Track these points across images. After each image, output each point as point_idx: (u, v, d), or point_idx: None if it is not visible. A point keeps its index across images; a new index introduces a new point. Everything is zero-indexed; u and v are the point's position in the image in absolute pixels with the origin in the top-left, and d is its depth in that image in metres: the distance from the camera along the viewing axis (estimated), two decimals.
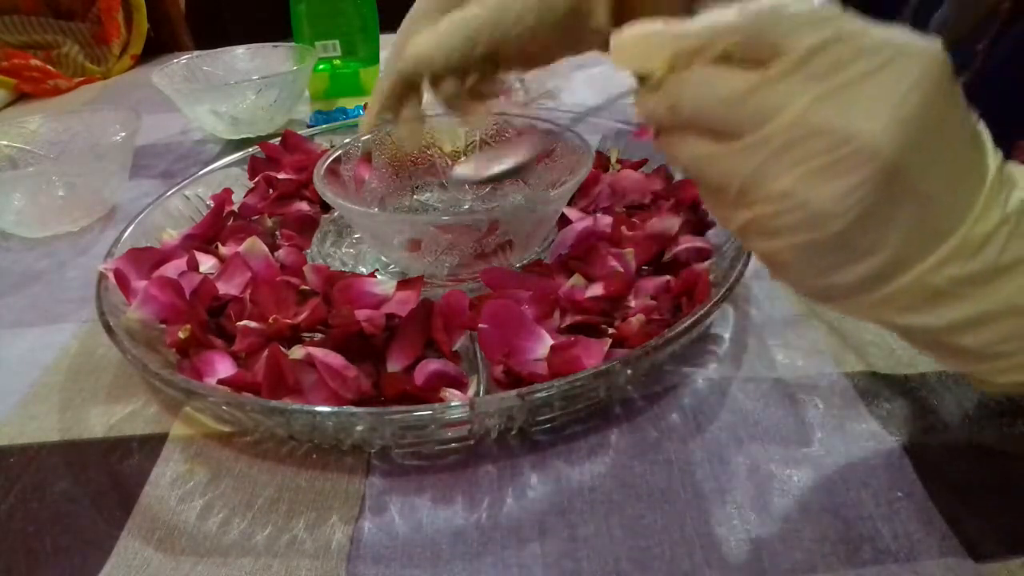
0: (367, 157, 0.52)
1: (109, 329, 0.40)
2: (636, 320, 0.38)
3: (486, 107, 0.44)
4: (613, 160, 0.57)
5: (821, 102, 0.23)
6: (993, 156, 0.25)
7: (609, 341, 0.37)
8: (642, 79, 0.27)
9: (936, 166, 0.24)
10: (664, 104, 0.26)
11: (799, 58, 0.23)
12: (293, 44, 0.84)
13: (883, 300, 0.25)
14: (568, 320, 0.40)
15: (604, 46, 0.52)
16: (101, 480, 0.37)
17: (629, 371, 0.36)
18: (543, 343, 0.38)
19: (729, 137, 0.25)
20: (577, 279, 0.42)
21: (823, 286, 0.26)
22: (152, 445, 0.38)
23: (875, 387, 0.38)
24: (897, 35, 0.23)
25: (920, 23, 0.52)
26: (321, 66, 0.83)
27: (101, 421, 0.40)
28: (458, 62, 0.40)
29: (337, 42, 0.83)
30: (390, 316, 0.40)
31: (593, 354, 0.36)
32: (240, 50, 0.85)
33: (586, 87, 0.83)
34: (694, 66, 0.25)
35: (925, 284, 0.25)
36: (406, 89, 0.44)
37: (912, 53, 0.23)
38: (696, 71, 0.25)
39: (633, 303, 0.41)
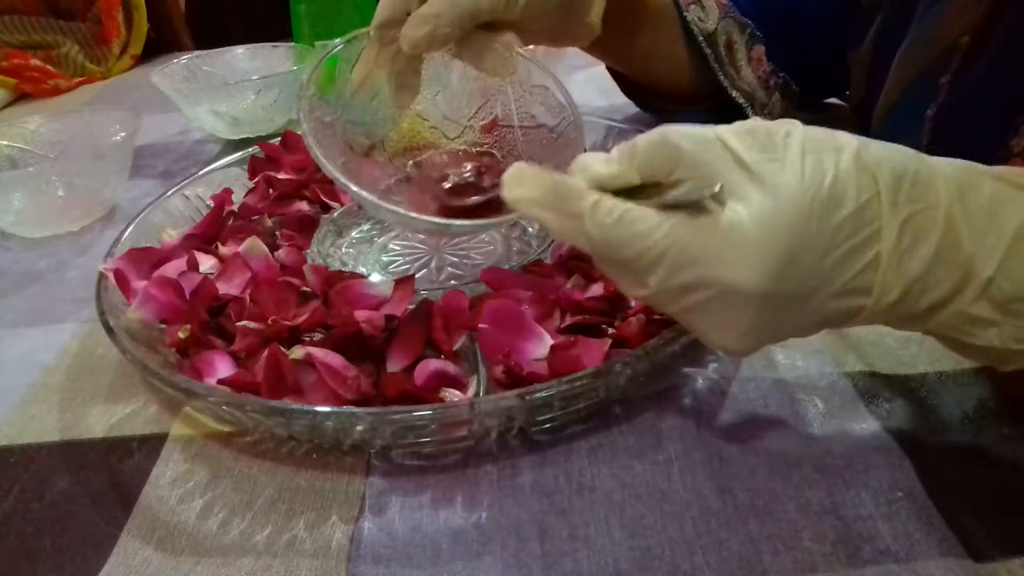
0: (367, 152, 0.51)
1: (109, 329, 0.40)
2: (636, 320, 0.38)
3: (504, 55, 0.44)
4: None
5: (681, 315, 0.29)
6: (888, 226, 0.26)
7: (609, 341, 0.37)
8: None
9: (812, 306, 0.27)
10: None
11: (655, 287, 0.28)
12: (293, 44, 0.84)
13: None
14: (568, 320, 0.40)
15: (590, 40, 0.53)
16: (101, 480, 0.37)
17: (629, 371, 0.36)
18: (543, 343, 0.38)
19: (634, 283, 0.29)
20: (577, 279, 0.42)
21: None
22: (152, 445, 0.38)
23: (875, 387, 0.38)
24: (746, 226, 0.26)
25: (880, 55, 0.52)
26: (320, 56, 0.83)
27: (101, 421, 0.40)
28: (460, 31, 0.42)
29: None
30: (389, 317, 0.40)
31: (593, 354, 0.36)
32: (240, 50, 0.85)
33: (585, 87, 0.83)
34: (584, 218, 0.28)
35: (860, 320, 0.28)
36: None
37: (744, 283, 0.26)
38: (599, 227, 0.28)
39: (633, 303, 0.41)
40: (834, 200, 0.26)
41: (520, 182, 0.29)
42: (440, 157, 0.51)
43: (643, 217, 0.27)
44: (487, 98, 0.50)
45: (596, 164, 0.29)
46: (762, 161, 0.26)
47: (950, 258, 0.27)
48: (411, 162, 0.51)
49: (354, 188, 0.39)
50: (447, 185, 0.48)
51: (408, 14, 0.42)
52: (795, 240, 0.25)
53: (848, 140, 0.27)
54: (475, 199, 0.45)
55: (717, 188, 0.26)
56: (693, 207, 0.26)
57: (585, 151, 0.52)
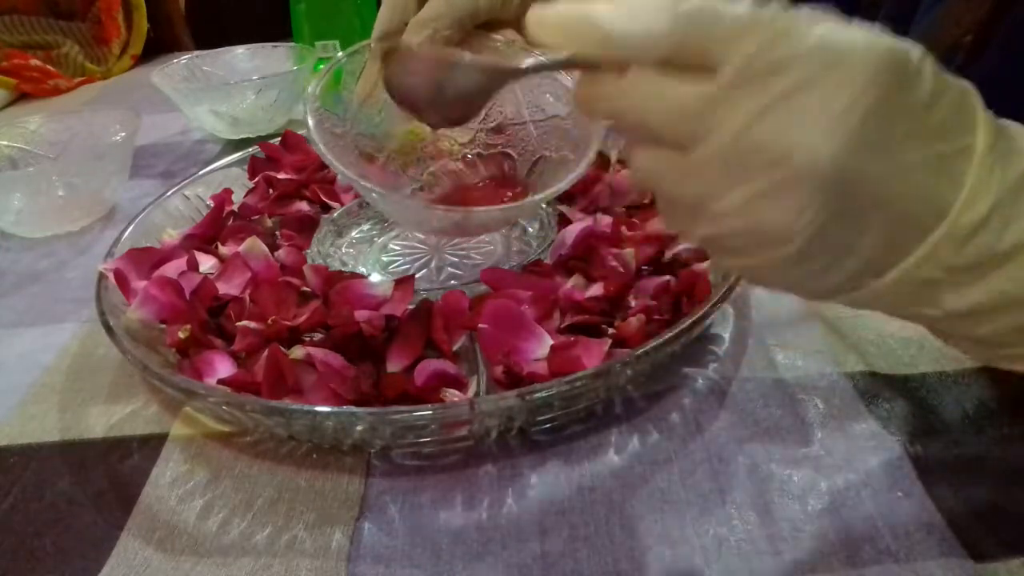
0: (368, 157, 0.51)
1: (109, 329, 0.40)
2: (636, 320, 0.38)
3: (506, 51, 0.44)
4: (613, 160, 0.57)
5: (760, 116, 0.22)
6: (984, 130, 0.23)
7: (609, 341, 0.37)
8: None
9: (898, 168, 0.22)
10: (602, 107, 0.25)
11: (737, 68, 0.22)
12: (293, 44, 0.84)
13: (874, 296, 0.25)
14: (568, 320, 0.40)
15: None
16: (101, 480, 0.37)
17: (629, 371, 0.36)
18: (543, 343, 0.38)
19: (677, 148, 0.24)
20: (577, 279, 0.42)
21: (804, 291, 0.25)
22: (152, 445, 0.38)
23: (875, 387, 0.38)
24: (843, 35, 0.22)
25: None
26: (321, 66, 0.83)
27: (101, 421, 0.40)
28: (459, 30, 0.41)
29: (337, 42, 0.83)
30: (389, 317, 0.40)
31: (593, 354, 0.36)
32: (240, 50, 0.85)
33: None
34: (633, 73, 0.24)
35: (914, 278, 0.23)
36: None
37: (855, 57, 0.22)
38: (635, 81, 0.24)
39: (633, 303, 0.41)
40: (922, 80, 0.22)
41: (557, 24, 0.24)
42: (455, 164, 0.51)
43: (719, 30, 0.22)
44: (495, 98, 0.50)
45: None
46: (834, 31, 0.22)
47: None
48: (426, 172, 0.51)
49: (378, 189, 0.39)
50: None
51: (407, 23, 0.42)
52: (879, 108, 0.22)
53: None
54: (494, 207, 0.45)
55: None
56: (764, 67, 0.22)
57: (608, 155, 0.51)
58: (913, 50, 0.23)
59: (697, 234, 0.25)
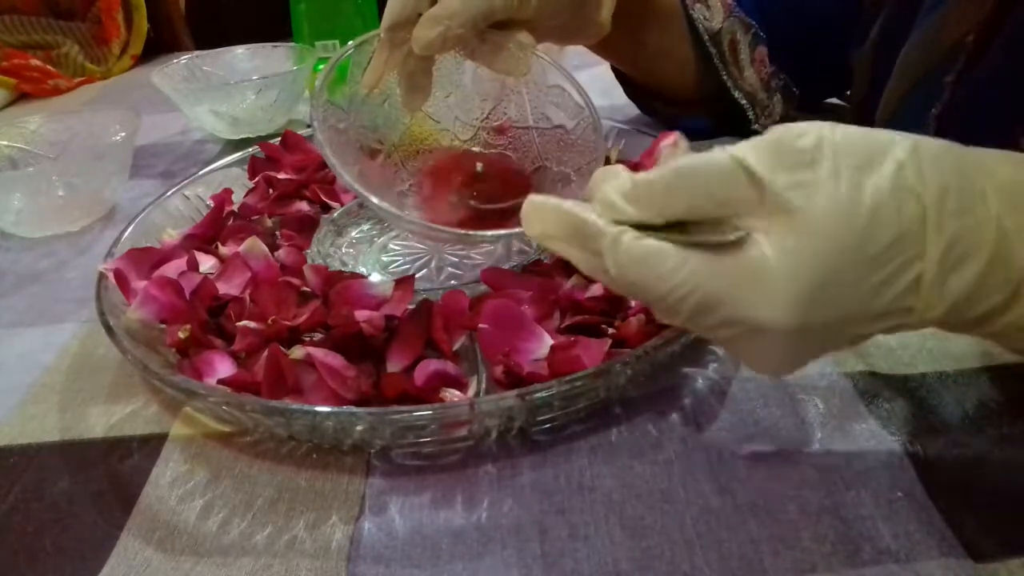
0: (371, 153, 0.51)
1: (109, 329, 0.40)
2: (636, 320, 0.38)
3: (518, 54, 0.44)
4: (613, 160, 0.57)
5: (723, 343, 0.28)
6: (934, 241, 0.24)
7: (609, 341, 0.37)
8: None
9: (853, 303, 0.25)
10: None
11: (687, 324, 0.27)
12: (293, 44, 0.84)
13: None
14: (568, 320, 0.40)
15: (599, 38, 0.53)
16: (101, 480, 0.37)
17: (629, 371, 0.36)
18: (543, 343, 0.38)
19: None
20: (577, 279, 0.42)
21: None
22: (152, 445, 0.38)
23: (875, 387, 0.38)
24: (757, 299, 0.25)
25: (883, 53, 0.52)
26: (321, 66, 0.83)
27: (101, 421, 0.40)
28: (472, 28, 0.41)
29: (337, 42, 0.83)
30: (389, 317, 0.40)
31: (593, 354, 0.36)
32: (240, 50, 0.85)
33: (587, 87, 0.83)
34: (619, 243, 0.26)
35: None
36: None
37: (766, 323, 0.25)
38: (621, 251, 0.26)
39: (633, 303, 0.41)
40: (871, 230, 0.24)
41: (539, 217, 0.28)
42: (454, 160, 0.51)
43: (664, 257, 0.25)
44: (500, 99, 0.50)
45: (616, 199, 0.27)
46: (789, 187, 0.24)
47: (1001, 273, 0.25)
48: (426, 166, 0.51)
49: (375, 200, 0.39)
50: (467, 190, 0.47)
51: (419, 15, 0.41)
52: (826, 274, 0.24)
53: (891, 148, 0.25)
54: (491, 205, 0.45)
55: (740, 235, 0.25)
56: (716, 246, 0.25)
57: (608, 154, 0.51)
58: (867, 205, 0.24)
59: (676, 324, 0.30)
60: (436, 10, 0.41)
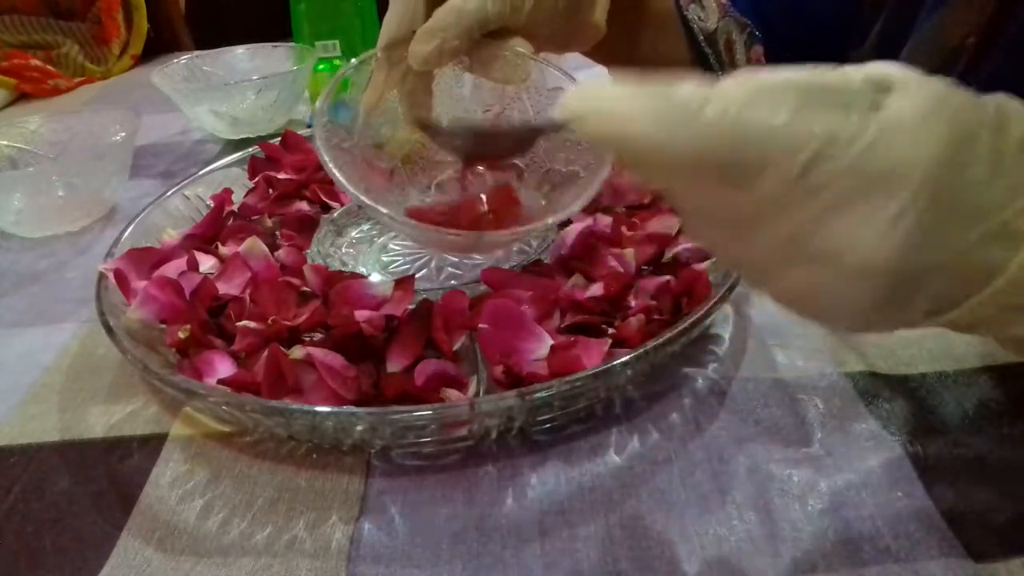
0: (377, 171, 0.51)
1: (109, 329, 0.40)
2: (636, 320, 0.38)
3: (515, 61, 0.43)
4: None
5: (803, 225, 0.22)
6: None
7: (609, 341, 0.37)
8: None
9: (952, 248, 0.23)
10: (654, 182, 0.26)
11: (776, 188, 0.22)
12: (293, 44, 0.84)
13: (936, 325, 0.25)
14: (568, 320, 0.40)
15: (595, 42, 0.52)
16: (101, 480, 0.37)
17: (629, 371, 0.36)
18: (543, 343, 0.38)
19: (732, 232, 0.24)
20: (577, 279, 0.42)
21: (875, 330, 0.26)
22: (152, 445, 0.38)
23: (875, 387, 0.38)
24: (892, 137, 0.22)
25: (883, 55, 0.52)
26: (321, 66, 0.83)
27: (101, 421, 0.40)
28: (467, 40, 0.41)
29: (337, 42, 0.83)
30: (389, 317, 0.40)
31: (593, 354, 0.36)
32: (240, 50, 0.85)
33: None
34: (683, 182, 0.24)
35: (974, 316, 0.24)
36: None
37: (905, 164, 0.22)
38: (685, 190, 0.24)
39: (633, 303, 0.41)
40: (1001, 119, 0.22)
41: (593, 95, 0.24)
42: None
43: (783, 92, 0.22)
44: (502, 108, 0.50)
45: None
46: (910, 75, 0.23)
47: None
48: (434, 183, 0.51)
49: (383, 211, 0.39)
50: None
51: (414, 32, 0.41)
52: (964, 134, 0.22)
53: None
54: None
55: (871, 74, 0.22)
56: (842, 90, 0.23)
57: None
58: (975, 122, 0.22)
59: (767, 292, 0.26)
60: (431, 24, 0.41)
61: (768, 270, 0.25)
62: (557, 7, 0.45)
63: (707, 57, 0.60)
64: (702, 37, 0.60)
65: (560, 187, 0.47)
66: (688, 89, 0.23)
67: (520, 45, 0.43)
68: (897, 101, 0.22)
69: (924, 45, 0.47)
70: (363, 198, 0.38)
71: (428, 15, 0.41)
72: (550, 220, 0.39)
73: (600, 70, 0.71)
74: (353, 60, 0.44)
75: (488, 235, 0.40)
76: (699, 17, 0.60)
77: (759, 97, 0.22)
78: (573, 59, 0.51)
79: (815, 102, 0.22)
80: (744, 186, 0.23)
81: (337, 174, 0.39)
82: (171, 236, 0.51)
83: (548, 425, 0.37)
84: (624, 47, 0.61)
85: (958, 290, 0.23)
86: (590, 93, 0.24)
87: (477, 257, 0.50)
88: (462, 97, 0.49)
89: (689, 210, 0.26)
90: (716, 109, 0.22)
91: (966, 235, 0.23)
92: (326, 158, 0.39)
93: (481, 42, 0.43)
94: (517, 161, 0.50)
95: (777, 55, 0.61)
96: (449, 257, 0.50)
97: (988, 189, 0.22)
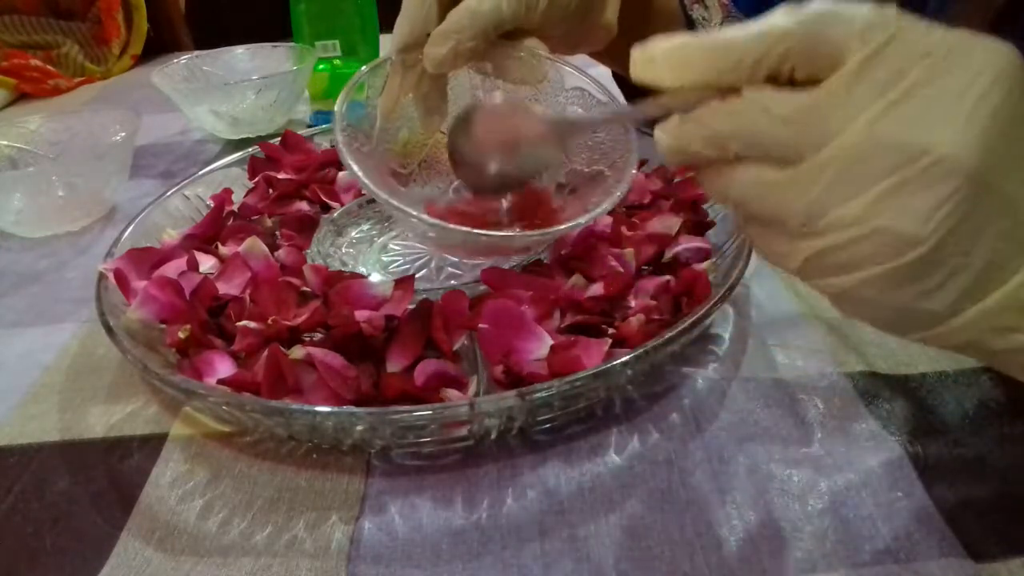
0: (395, 175, 0.50)
1: (109, 329, 0.40)
2: (636, 320, 0.38)
3: (531, 62, 0.43)
4: None
5: (888, 113, 0.21)
6: None
7: (609, 341, 0.37)
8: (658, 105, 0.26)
9: (1020, 167, 0.22)
10: (701, 136, 0.25)
11: (857, 67, 0.21)
12: (293, 44, 0.84)
13: (973, 322, 0.23)
14: (568, 320, 0.40)
15: (607, 42, 0.52)
16: (101, 480, 0.37)
17: (629, 371, 0.36)
18: (543, 343, 0.38)
19: (786, 163, 0.23)
20: (577, 279, 0.42)
21: (905, 317, 0.24)
22: (152, 445, 0.38)
23: (875, 387, 0.38)
24: (961, 34, 0.22)
25: None
26: (321, 66, 0.83)
27: (101, 421, 0.40)
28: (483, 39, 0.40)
29: (337, 42, 0.83)
30: (389, 317, 0.40)
31: (593, 354, 0.36)
32: (240, 50, 0.85)
33: None
34: (744, 91, 0.23)
35: (1017, 299, 0.22)
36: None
37: (980, 51, 0.21)
38: (746, 97, 0.23)
39: (633, 303, 0.41)
40: None
41: (674, 62, 0.24)
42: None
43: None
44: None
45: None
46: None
47: None
48: (452, 187, 0.50)
49: (413, 213, 0.38)
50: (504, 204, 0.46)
51: (428, 35, 0.40)
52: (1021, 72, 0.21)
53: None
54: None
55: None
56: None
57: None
58: None
59: (803, 252, 0.24)
60: (445, 26, 0.40)
61: (821, 206, 0.23)
62: (570, 7, 0.45)
63: None
64: None
65: (584, 187, 0.47)
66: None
67: (536, 44, 0.43)
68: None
69: None
70: (393, 202, 0.38)
71: (442, 17, 0.40)
72: (582, 220, 0.38)
73: (598, 71, 0.71)
74: (367, 65, 0.44)
75: (519, 236, 0.40)
76: (703, 17, 0.60)
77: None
78: (577, 61, 0.50)
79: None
80: (815, 87, 0.22)
81: (366, 180, 0.38)
82: (171, 236, 0.51)
83: (548, 425, 0.37)
84: (630, 49, 0.61)
85: (1005, 257, 0.22)
86: (661, 40, 0.24)
87: (480, 259, 0.50)
88: (478, 100, 0.48)
89: (742, 144, 0.24)
90: (786, 12, 0.22)
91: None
92: (351, 162, 0.39)
93: (496, 43, 0.42)
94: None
95: None
96: (449, 257, 0.50)
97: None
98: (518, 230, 0.41)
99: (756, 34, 0.23)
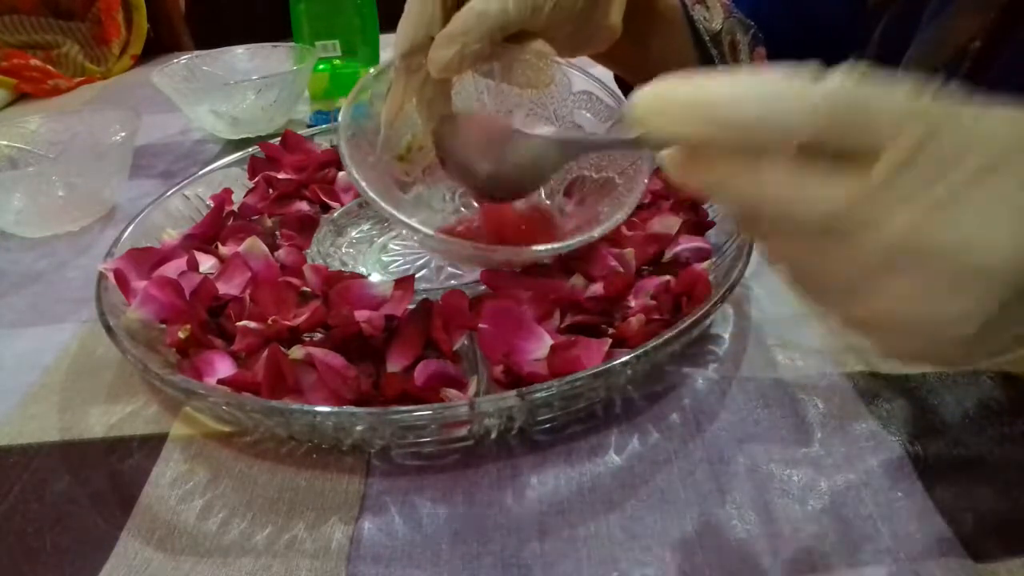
0: (400, 184, 0.49)
1: (109, 329, 0.40)
2: (636, 320, 0.38)
3: (538, 64, 0.42)
4: None
5: (930, 212, 0.20)
6: None
7: (609, 341, 0.37)
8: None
9: None
10: (721, 190, 0.23)
11: (900, 160, 0.20)
12: (293, 44, 0.84)
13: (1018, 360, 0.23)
14: (568, 320, 0.40)
15: (610, 43, 0.52)
16: (101, 480, 0.37)
17: (629, 371, 0.36)
18: (543, 343, 0.38)
19: (823, 240, 0.22)
20: (577, 279, 0.42)
21: (947, 362, 0.25)
22: (152, 445, 0.38)
23: (875, 387, 0.38)
24: (1006, 122, 0.20)
25: (886, 57, 0.52)
26: (321, 66, 0.83)
27: (101, 421, 0.40)
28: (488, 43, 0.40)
29: (337, 42, 0.83)
30: (389, 317, 0.40)
31: (593, 354, 0.36)
32: (240, 50, 0.85)
33: None
34: (768, 164, 0.21)
35: None
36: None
37: None
38: (772, 173, 0.22)
39: (633, 303, 0.41)
40: None
41: (675, 84, 0.22)
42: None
43: (891, 79, 0.20)
44: (526, 115, 0.48)
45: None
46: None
47: None
48: (458, 193, 0.50)
49: (422, 229, 0.37)
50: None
51: (432, 38, 0.40)
52: None
53: None
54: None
55: None
56: None
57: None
58: None
59: (851, 315, 0.23)
60: (450, 29, 0.39)
61: (859, 283, 0.22)
62: (576, 8, 0.44)
63: (713, 59, 0.60)
64: (708, 37, 0.60)
65: (594, 195, 0.46)
66: (787, 72, 0.21)
67: (542, 47, 0.42)
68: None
69: (928, 48, 0.47)
70: (400, 216, 0.38)
71: (445, 20, 0.40)
72: (595, 233, 0.38)
73: (597, 71, 0.71)
74: (371, 70, 0.43)
75: (527, 251, 0.39)
76: (704, 18, 0.60)
77: (869, 78, 0.20)
78: (578, 63, 0.50)
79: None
80: (852, 169, 0.21)
81: (372, 194, 0.38)
82: (171, 236, 0.51)
83: (548, 425, 0.37)
84: (633, 51, 0.61)
85: None
86: (670, 84, 0.22)
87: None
88: (484, 106, 0.47)
89: (771, 219, 0.23)
90: (832, 82, 0.20)
91: None
92: (357, 176, 0.38)
93: (501, 46, 0.42)
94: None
95: (778, 58, 0.61)
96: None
97: None
98: (529, 245, 0.41)
99: (777, 121, 0.21)
